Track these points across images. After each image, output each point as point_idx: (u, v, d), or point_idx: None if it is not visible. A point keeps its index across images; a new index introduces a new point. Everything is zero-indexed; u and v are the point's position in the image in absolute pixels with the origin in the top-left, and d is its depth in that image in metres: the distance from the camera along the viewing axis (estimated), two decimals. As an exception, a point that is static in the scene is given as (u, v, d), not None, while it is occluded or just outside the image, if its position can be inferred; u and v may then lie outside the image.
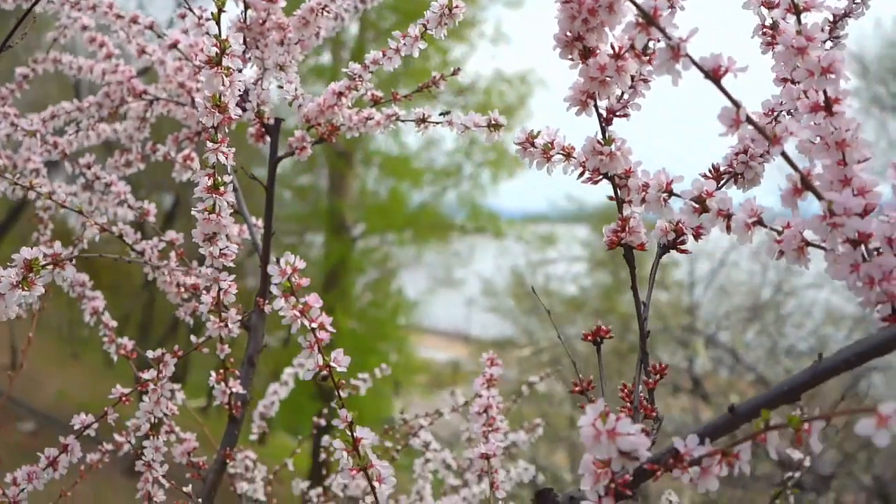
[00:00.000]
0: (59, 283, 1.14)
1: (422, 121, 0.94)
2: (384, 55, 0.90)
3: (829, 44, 0.72)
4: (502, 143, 11.70)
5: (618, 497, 0.55)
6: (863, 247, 0.52)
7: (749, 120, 0.50)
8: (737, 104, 0.50)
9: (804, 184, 0.51)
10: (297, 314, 0.61)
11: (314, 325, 0.62)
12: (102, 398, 1.02)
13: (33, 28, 0.98)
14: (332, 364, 0.63)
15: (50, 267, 0.65)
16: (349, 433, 0.65)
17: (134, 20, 1.09)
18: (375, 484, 0.64)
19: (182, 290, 1.02)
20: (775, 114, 0.69)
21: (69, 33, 1.28)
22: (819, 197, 0.51)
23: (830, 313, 7.27)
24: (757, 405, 0.49)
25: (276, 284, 0.61)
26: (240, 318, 0.91)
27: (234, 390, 0.97)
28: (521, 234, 11.18)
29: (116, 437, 1.16)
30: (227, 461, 0.99)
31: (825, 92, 0.53)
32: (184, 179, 1.20)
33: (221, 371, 0.96)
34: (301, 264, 0.61)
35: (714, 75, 0.51)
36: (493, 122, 0.83)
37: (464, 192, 11.42)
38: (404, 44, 0.88)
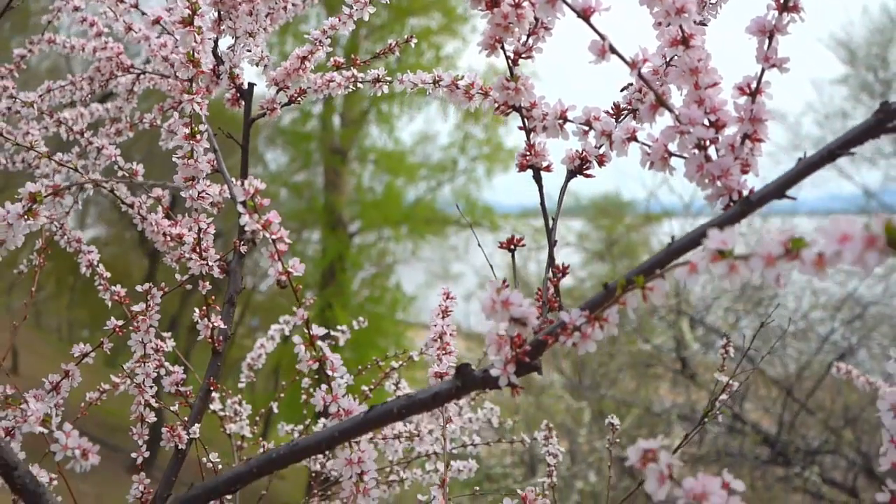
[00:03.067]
0: (59, 241, 1.26)
1: (377, 80, 1.06)
2: (339, 20, 1.03)
3: (713, -1, 0.84)
4: (497, 138, 11.79)
5: (520, 367, 0.67)
6: (710, 151, 0.64)
7: (612, 49, 0.62)
8: (602, 37, 0.62)
9: (658, 101, 0.63)
10: (260, 227, 0.73)
11: (275, 237, 0.74)
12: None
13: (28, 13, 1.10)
14: (290, 269, 0.75)
15: (51, 197, 0.77)
16: (306, 330, 0.77)
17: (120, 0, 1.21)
18: (330, 372, 0.77)
19: (168, 238, 1.13)
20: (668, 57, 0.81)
21: (62, 15, 1.39)
22: (670, 110, 0.63)
23: (817, 296, 7.41)
24: (621, 278, 0.61)
25: (241, 203, 0.73)
26: (218, 257, 1.03)
27: (216, 325, 1.09)
28: (516, 227, 11.29)
29: (114, 377, 1.28)
30: (211, 389, 1.10)
31: (682, 28, 0.65)
32: (170, 147, 1.31)
33: (204, 308, 1.08)
34: (262, 186, 0.73)
35: (585, 14, 0.63)
36: (437, 79, 0.95)
37: (459, 186, 11.55)
38: (356, 9, 1.01)
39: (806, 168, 0.58)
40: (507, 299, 0.62)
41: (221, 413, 1.41)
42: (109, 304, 1.19)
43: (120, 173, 1.22)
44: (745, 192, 0.63)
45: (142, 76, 1.32)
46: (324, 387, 0.77)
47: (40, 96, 1.29)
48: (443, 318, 1.07)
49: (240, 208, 0.73)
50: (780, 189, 0.59)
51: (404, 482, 1.35)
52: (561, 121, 0.72)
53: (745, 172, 0.63)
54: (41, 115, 1.29)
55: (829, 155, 0.57)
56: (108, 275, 1.23)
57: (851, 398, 6.38)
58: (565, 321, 0.63)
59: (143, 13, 1.20)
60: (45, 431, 0.75)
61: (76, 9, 1.32)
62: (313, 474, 1.48)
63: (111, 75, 1.31)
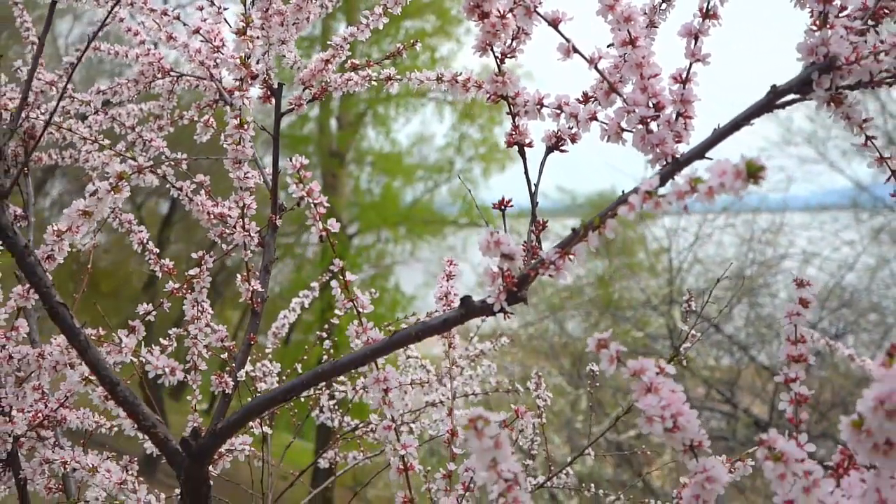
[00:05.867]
0: (114, 225, 1.45)
1: (388, 79, 1.26)
2: (357, 29, 1.22)
3: (664, 5, 1.03)
4: (492, 138, 11.97)
5: (510, 296, 0.86)
6: (652, 126, 0.84)
7: (575, 50, 0.82)
8: (567, 40, 0.82)
9: (611, 88, 0.83)
10: (305, 194, 0.93)
11: (316, 202, 0.94)
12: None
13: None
14: (329, 227, 0.95)
15: (136, 175, 0.96)
16: (342, 277, 0.97)
17: (164, 13, 1.41)
18: (360, 309, 0.96)
19: (211, 216, 1.33)
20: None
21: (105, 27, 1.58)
22: (620, 95, 0.83)
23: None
24: (584, 221, 0.81)
25: (289, 175, 0.93)
26: (259, 229, 1.23)
27: (254, 288, 1.28)
28: (513, 227, 11.48)
29: (162, 340, 1.48)
30: (252, 343, 1.30)
31: (629, 32, 0.85)
32: (204, 140, 1.51)
33: (245, 273, 1.27)
34: (306, 161, 0.93)
35: (554, 23, 0.82)
36: (440, 76, 1.15)
37: (456, 186, 11.75)
38: (372, 20, 1.21)
39: (719, 135, 0.78)
40: (499, 239, 0.81)
41: (252, 374, 1.61)
42: (160, 275, 1.38)
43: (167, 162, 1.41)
44: (678, 156, 0.82)
45: (180, 78, 1.51)
46: (355, 322, 0.97)
47: (93, 96, 1.49)
48: (447, 280, 1.26)
49: (288, 179, 0.93)
50: (700, 152, 0.79)
51: (413, 431, 1.54)
52: (538, 106, 0.92)
53: (678, 142, 0.83)
54: (95, 113, 1.49)
55: (734, 125, 0.77)
56: (157, 250, 1.42)
57: (839, 382, 6.60)
58: (543, 258, 0.83)
59: (185, 24, 1.39)
60: (136, 361, 0.94)
61: (121, 20, 1.52)
62: (336, 432, 1.67)
63: (153, 78, 1.51)
